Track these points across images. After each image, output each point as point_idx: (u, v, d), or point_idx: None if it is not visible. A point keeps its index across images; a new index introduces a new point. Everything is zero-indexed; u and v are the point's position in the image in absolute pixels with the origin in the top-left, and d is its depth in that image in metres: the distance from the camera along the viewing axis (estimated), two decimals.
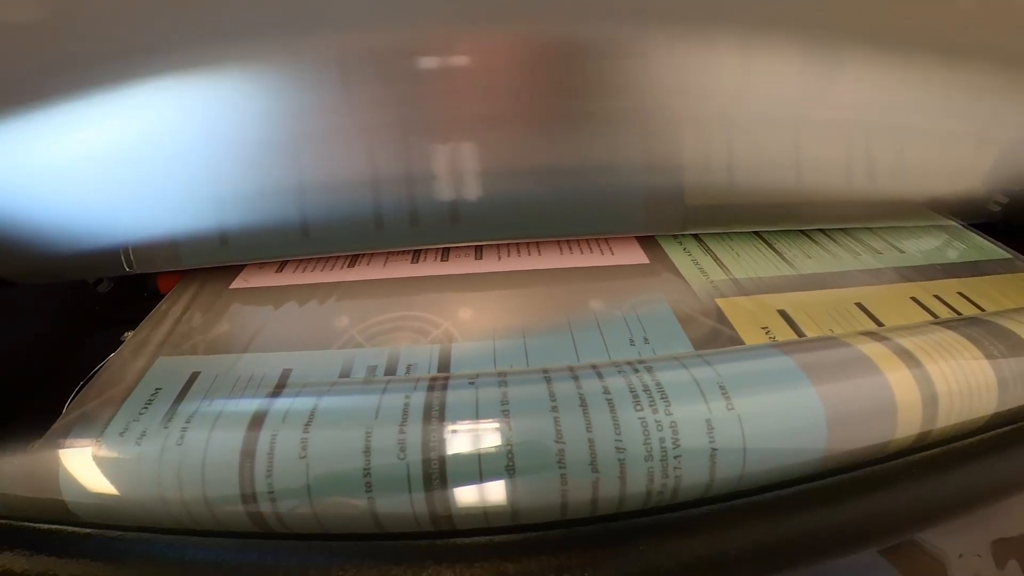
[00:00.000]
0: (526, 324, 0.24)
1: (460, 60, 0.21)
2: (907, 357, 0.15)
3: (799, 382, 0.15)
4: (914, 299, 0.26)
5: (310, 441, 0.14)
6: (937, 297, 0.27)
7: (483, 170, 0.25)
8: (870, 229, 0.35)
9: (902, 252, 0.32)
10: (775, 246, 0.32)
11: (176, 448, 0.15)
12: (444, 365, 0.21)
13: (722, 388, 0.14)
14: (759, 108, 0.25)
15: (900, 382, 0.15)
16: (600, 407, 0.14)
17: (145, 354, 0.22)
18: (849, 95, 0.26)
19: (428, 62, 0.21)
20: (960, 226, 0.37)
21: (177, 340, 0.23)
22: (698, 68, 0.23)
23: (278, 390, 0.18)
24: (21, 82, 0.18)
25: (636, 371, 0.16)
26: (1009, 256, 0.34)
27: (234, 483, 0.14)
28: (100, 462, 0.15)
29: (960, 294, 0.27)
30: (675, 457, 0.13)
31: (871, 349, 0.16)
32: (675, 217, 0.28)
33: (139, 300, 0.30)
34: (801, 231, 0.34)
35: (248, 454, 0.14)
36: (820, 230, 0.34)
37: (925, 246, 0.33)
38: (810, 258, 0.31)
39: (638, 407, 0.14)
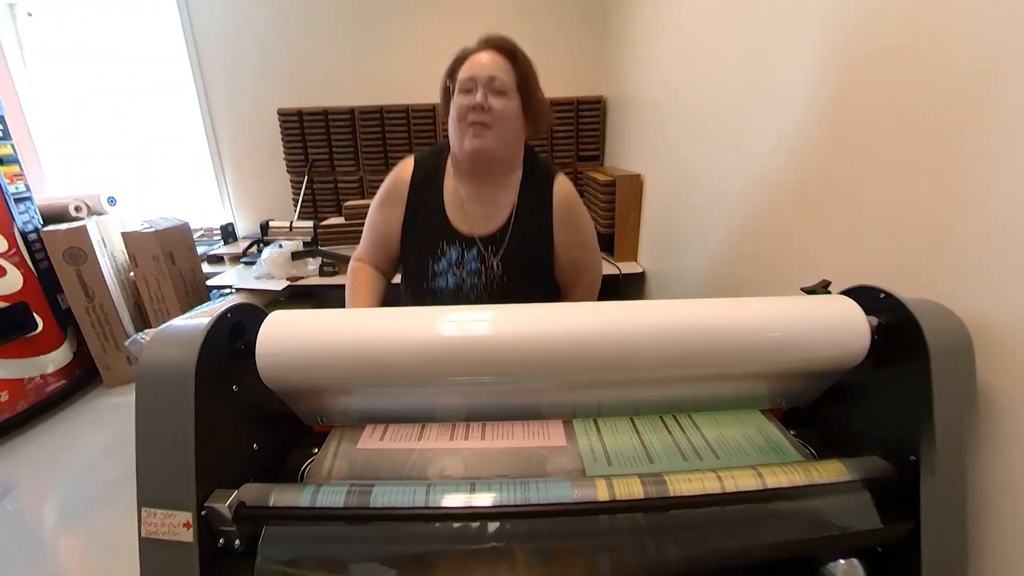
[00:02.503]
0: (500, 470, 0.54)
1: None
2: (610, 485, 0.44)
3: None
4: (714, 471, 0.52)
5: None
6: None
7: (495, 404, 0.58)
8: (709, 423, 0.61)
9: (720, 440, 0.58)
10: (639, 428, 0.59)
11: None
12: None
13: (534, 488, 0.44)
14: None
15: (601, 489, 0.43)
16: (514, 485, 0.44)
17: (327, 461, 0.55)
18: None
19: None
20: (770, 421, 0.62)
21: (339, 470, 0.55)
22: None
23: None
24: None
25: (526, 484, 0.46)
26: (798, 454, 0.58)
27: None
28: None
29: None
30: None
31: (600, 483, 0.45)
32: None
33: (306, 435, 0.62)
34: (661, 422, 0.61)
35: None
36: (676, 422, 0.61)
37: (739, 438, 0.59)
38: (658, 440, 0.58)
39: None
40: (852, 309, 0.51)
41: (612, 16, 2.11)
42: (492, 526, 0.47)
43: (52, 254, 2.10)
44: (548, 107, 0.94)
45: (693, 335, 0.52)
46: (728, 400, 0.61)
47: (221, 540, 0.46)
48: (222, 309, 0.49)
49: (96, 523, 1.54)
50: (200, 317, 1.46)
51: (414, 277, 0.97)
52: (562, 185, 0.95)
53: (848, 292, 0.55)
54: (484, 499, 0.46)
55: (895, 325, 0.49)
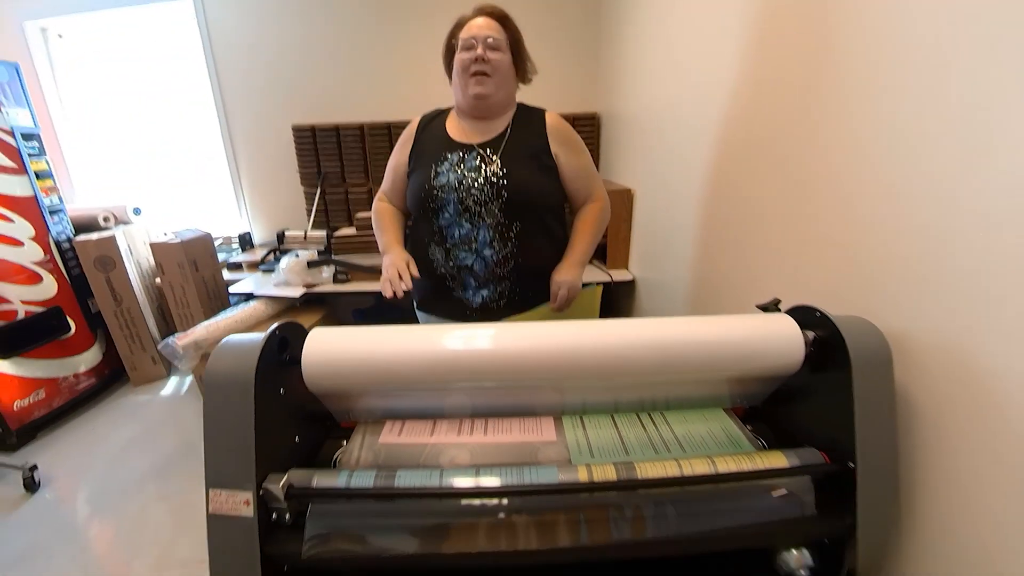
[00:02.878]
0: (500, 459, 0.64)
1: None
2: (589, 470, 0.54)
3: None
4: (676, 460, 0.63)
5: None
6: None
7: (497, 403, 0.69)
8: (678, 420, 0.72)
9: (687, 435, 0.69)
10: (618, 424, 0.70)
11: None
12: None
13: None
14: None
15: (582, 473, 0.53)
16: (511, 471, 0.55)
17: (355, 451, 0.66)
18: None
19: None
20: (730, 418, 0.72)
21: (365, 459, 0.66)
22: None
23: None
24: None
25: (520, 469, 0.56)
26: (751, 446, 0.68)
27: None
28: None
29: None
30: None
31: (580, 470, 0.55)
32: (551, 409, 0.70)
33: (335, 429, 0.74)
34: (638, 418, 0.72)
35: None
36: (651, 419, 0.72)
37: (704, 433, 0.69)
38: (634, 434, 0.68)
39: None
40: (791, 326, 0.61)
41: (603, 39, 2.21)
42: (493, 502, 0.57)
43: (84, 262, 2.24)
44: (532, 61, 1.12)
45: (662, 348, 0.63)
46: (694, 400, 0.71)
47: (274, 515, 0.57)
48: (272, 327, 0.60)
49: (125, 511, 1.67)
50: (227, 321, 1.55)
51: (418, 185, 1.06)
52: (553, 113, 1.12)
53: (791, 310, 0.65)
54: (487, 482, 0.56)
55: (826, 339, 0.60)
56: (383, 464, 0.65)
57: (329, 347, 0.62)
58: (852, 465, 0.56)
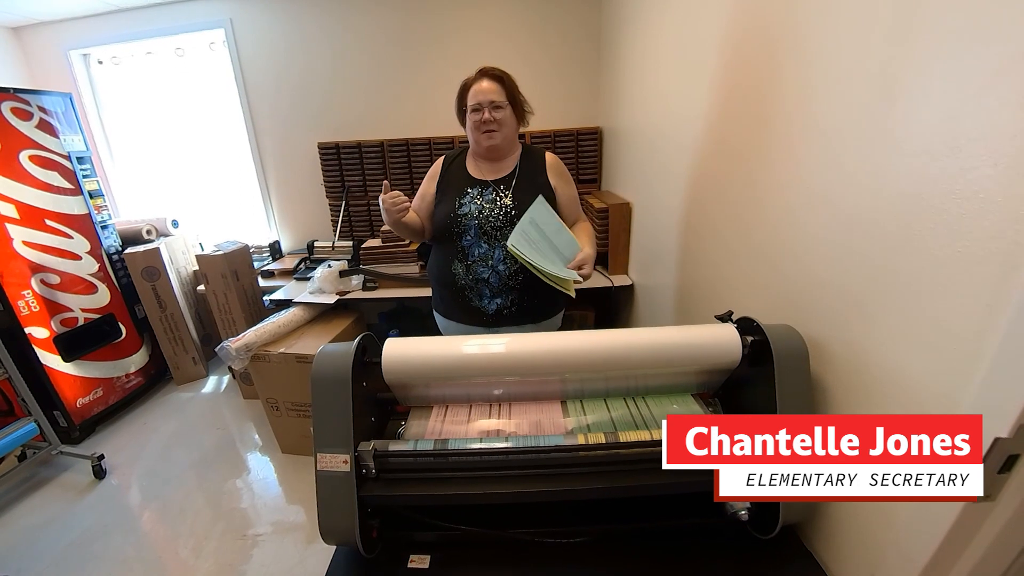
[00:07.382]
0: (529, 430, 0.87)
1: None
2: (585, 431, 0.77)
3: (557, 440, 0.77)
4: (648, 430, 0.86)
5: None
6: None
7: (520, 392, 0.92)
8: (655, 403, 0.94)
9: (661, 413, 0.91)
10: (609, 406, 0.92)
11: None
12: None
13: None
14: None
15: (580, 438, 0.76)
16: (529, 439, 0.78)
17: (413, 427, 0.89)
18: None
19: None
20: (695, 400, 0.95)
21: (421, 433, 0.89)
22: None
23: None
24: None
25: (533, 440, 0.79)
26: None
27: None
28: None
29: None
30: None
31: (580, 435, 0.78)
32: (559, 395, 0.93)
33: (393, 412, 0.97)
34: (624, 401, 0.94)
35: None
36: (634, 402, 0.94)
37: (673, 411, 0.92)
38: (619, 412, 0.91)
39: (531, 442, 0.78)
40: (733, 333, 0.84)
41: (604, 57, 2.41)
42: (516, 458, 0.80)
43: (132, 272, 2.47)
44: (527, 102, 1.34)
45: (641, 350, 0.86)
46: (668, 387, 0.94)
47: (364, 470, 0.80)
48: (358, 338, 0.83)
49: (172, 498, 1.91)
50: (271, 325, 1.77)
51: (444, 213, 1.29)
52: (551, 154, 1.37)
53: (739, 320, 0.87)
54: (512, 444, 0.79)
55: (760, 341, 0.82)
56: (437, 436, 0.88)
57: (401, 351, 0.85)
58: None
